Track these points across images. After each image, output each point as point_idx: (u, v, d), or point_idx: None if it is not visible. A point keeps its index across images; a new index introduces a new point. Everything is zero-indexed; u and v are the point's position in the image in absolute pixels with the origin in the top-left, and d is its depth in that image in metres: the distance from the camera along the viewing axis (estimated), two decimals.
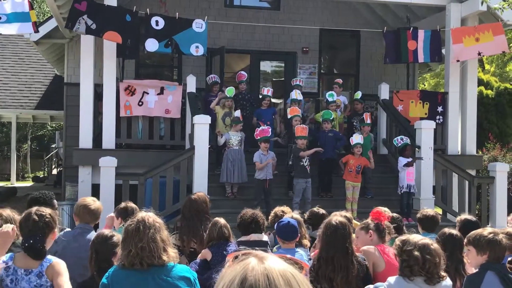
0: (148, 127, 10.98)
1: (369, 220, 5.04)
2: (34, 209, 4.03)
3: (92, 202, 5.19)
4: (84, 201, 5.21)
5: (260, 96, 11.62)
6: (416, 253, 3.70)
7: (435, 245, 3.82)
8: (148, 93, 10.79)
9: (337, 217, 4.59)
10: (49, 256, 3.97)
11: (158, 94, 10.85)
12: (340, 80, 12.61)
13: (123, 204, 5.55)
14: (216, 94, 11.47)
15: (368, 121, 10.97)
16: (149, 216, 3.50)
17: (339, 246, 4.37)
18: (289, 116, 10.44)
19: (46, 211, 4.05)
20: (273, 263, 1.45)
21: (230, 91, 10.83)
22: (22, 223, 3.95)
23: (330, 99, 11.34)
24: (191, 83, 10.93)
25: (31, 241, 3.86)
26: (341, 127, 11.79)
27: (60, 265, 3.96)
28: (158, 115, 10.90)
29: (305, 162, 9.74)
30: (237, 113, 10.38)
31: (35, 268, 3.87)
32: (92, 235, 4.75)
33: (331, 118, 10.68)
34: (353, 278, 4.35)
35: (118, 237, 4.10)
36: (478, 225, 5.38)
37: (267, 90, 11.38)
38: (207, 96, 11.73)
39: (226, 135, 10.15)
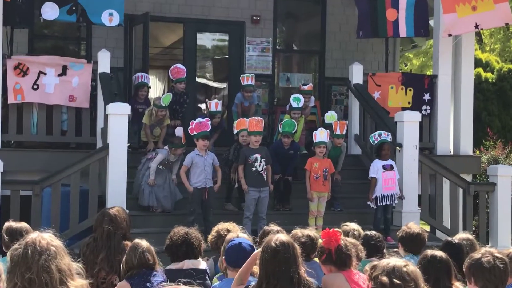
0: (46, 119, 10.82)
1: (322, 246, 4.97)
2: None
3: None
4: None
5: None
6: (384, 278, 3.75)
7: (410, 267, 3.86)
8: (45, 74, 10.64)
9: (278, 236, 4.53)
10: None
11: (59, 75, 10.72)
12: (310, 86, 12.41)
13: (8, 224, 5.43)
14: (144, 100, 11.31)
15: (344, 132, 10.84)
16: (42, 237, 3.40)
17: (282, 275, 4.30)
18: (235, 131, 10.27)
19: None
20: None
21: (166, 99, 10.67)
22: None
23: (294, 104, 11.14)
24: (104, 61, 10.82)
25: None
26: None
27: None
28: (60, 103, 10.77)
29: (259, 166, 9.71)
30: (179, 131, 10.09)
31: None
32: None
33: (293, 132, 10.47)
34: None
35: None
36: (461, 248, 5.51)
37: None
38: (133, 102, 11.32)
39: (163, 151, 9.98)
